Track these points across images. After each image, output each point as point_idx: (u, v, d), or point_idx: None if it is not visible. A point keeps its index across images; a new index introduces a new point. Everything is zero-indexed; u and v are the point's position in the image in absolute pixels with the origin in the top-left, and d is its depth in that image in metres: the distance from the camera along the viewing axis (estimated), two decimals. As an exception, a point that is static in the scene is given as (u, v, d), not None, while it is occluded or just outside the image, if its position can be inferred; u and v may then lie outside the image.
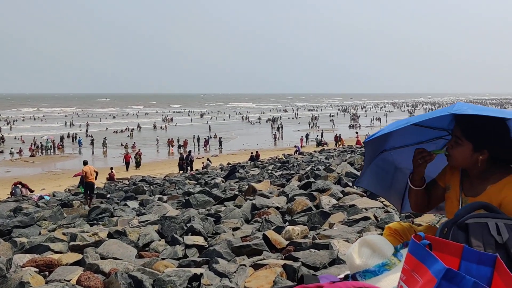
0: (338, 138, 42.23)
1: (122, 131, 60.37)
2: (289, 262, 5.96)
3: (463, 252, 1.50)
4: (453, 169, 2.13)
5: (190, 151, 33.55)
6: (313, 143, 45.72)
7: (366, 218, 7.29)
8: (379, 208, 8.38)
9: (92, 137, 47.87)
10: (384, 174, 2.41)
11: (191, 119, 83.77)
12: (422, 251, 1.37)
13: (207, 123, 72.78)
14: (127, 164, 32.16)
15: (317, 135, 48.70)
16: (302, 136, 47.90)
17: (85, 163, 18.23)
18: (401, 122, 2.00)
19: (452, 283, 1.25)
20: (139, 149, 35.97)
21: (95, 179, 17.57)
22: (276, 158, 29.94)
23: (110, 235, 7.82)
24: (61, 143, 46.14)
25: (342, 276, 1.94)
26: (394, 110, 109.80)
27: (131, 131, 58.19)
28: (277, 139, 50.53)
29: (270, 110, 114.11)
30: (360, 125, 65.93)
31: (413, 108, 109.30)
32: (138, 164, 32.86)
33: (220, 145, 44.88)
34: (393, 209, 8.10)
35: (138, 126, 65.27)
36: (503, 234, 1.67)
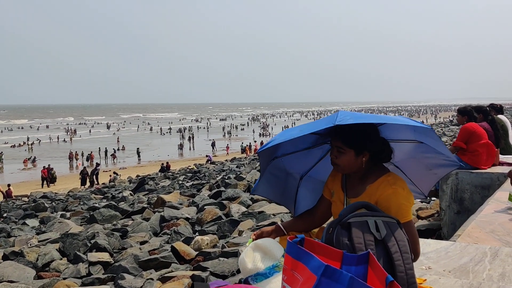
0: (249, 147, 43.53)
1: (20, 145, 56.34)
2: (197, 272, 5.93)
3: (343, 257, 1.61)
4: (334, 176, 2.28)
5: (97, 164, 32.02)
6: (220, 152, 46.12)
7: (274, 224, 7.45)
8: (286, 213, 8.63)
9: None
10: (277, 180, 2.50)
11: (90, 131, 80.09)
12: (295, 249, 1.45)
13: (114, 134, 70.17)
14: (44, 179, 29.88)
15: (242, 142, 49.52)
16: (228, 144, 48.36)
17: None
18: (294, 132, 2.09)
19: (332, 279, 1.34)
20: (49, 164, 33.20)
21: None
22: (188, 168, 29.64)
23: (5, 257, 7.26)
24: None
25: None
26: (301, 118, 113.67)
27: (31, 144, 54.38)
28: (183, 149, 49.78)
29: (180, 120, 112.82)
30: (270, 133, 67.37)
31: (318, 116, 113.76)
32: (53, 180, 30.55)
33: (139, 156, 43.39)
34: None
35: (28, 139, 59.95)
36: (381, 231, 1.81)
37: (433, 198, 7.79)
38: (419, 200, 8.53)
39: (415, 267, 2.55)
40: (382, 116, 2.01)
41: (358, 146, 2.07)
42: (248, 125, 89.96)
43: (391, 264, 1.76)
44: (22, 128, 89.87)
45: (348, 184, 2.19)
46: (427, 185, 2.43)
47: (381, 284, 1.43)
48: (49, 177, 30.22)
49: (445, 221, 5.79)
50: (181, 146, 49.78)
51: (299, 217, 2.45)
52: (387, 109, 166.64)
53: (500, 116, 7.25)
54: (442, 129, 38.35)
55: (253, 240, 2.24)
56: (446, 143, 21.40)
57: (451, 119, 65.85)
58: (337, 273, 1.34)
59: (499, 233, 3.32)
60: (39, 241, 8.69)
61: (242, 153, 43.65)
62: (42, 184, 29.58)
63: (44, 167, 31.66)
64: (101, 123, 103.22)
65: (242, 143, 49.02)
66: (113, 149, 45.58)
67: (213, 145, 48.65)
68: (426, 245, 2.99)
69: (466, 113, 6.22)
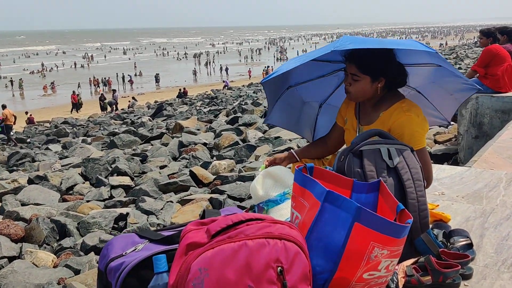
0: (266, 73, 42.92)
1: (39, 71, 56.63)
2: (215, 195, 6.10)
3: (353, 185, 1.60)
4: (348, 103, 2.23)
5: (114, 90, 32.13)
6: (237, 77, 45.28)
7: (289, 149, 7.51)
8: (303, 138, 8.69)
9: (12, 79, 43.72)
10: (292, 109, 2.47)
11: (105, 56, 79.36)
12: (301, 176, 1.45)
13: (129, 59, 69.90)
14: (74, 105, 29.69)
15: (266, 66, 47.73)
16: (250, 68, 47.02)
17: (3, 106, 18.84)
18: (298, 59, 2.02)
19: (336, 206, 1.34)
20: (73, 91, 33.07)
21: (14, 123, 17.95)
22: (205, 94, 29.63)
23: (30, 181, 7.55)
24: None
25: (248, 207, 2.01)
26: (320, 41, 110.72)
27: (43, 71, 54.38)
28: (200, 74, 49.04)
29: (196, 45, 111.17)
30: (287, 57, 66.15)
31: (338, 39, 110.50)
32: (80, 106, 30.61)
33: (157, 81, 43.29)
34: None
35: (43, 65, 59.41)
36: (394, 159, 1.79)
37: (451, 123, 7.70)
38: (438, 125, 8.46)
39: (428, 193, 2.57)
40: (385, 41, 1.91)
41: (374, 72, 1.99)
42: (267, 50, 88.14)
43: (402, 191, 1.75)
44: (37, 54, 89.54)
45: (361, 111, 2.15)
46: (449, 110, 2.37)
47: (392, 212, 1.44)
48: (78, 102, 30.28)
49: (462, 146, 5.75)
50: (194, 72, 49.04)
51: (312, 144, 2.44)
52: (409, 30, 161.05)
53: (527, 37, 6.93)
54: (465, 51, 37.12)
55: (265, 166, 2.26)
56: (469, 66, 20.78)
57: (475, 40, 63.51)
58: (341, 199, 1.33)
59: (516, 159, 3.29)
60: (62, 166, 8.97)
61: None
62: (72, 110, 29.54)
63: (73, 92, 31.61)
64: (117, 48, 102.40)
65: (266, 66, 47.32)
66: (129, 75, 45.41)
67: (226, 70, 47.91)
68: (440, 170, 2.98)
69: (491, 35, 5.96)
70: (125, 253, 1.34)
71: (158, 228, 3.28)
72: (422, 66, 2.13)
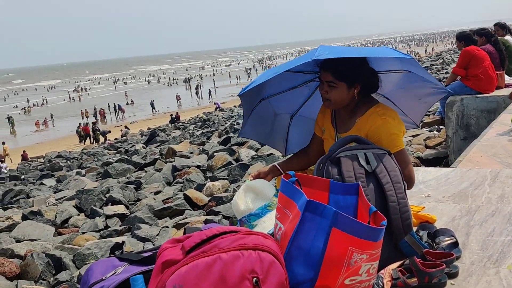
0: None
1: (30, 107, 56.66)
2: (210, 217, 6.09)
3: (330, 186, 1.61)
4: (324, 112, 2.25)
5: (94, 122, 31.73)
6: (229, 98, 45.43)
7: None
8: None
9: (9, 116, 43.19)
10: (265, 122, 2.49)
11: (90, 87, 79.41)
12: (289, 187, 1.45)
13: (115, 89, 70.02)
14: (88, 136, 29.14)
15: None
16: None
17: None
18: (273, 71, 2.04)
19: (316, 214, 1.34)
20: (80, 123, 32.43)
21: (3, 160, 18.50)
22: (197, 117, 29.70)
23: (24, 217, 7.49)
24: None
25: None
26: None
27: (28, 108, 54.40)
28: (192, 98, 49.14)
29: (187, 70, 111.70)
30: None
31: (314, 49, 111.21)
32: (86, 137, 30.28)
33: (153, 108, 43.23)
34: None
35: (28, 101, 59.42)
36: (371, 163, 1.80)
37: (441, 127, 7.75)
38: (427, 129, 8.51)
39: (414, 195, 2.58)
40: (362, 49, 1.95)
41: (349, 78, 2.02)
42: (258, 69, 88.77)
43: (383, 195, 1.76)
44: (26, 89, 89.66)
45: (337, 119, 2.17)
46: (418, 114, 2.41)
47: (367, 215, 1.44)
48: (92, 133, 29.82)
49: (452, 148, 5.78)
50: (178, 97, 48.82)
51: (294, 156, 2.45)
52: (394, 40, 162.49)
53: (506, 36, 7.03)
54: (451, 56, 37.52)
55: None
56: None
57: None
58: (321, 207, 1.34)
59: (501, 156, 3.30)
60: (56, 200, 8.92)
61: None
62: (92, 141, 29.18)
63: (86, 124, 31.45)
64: (108, 79, 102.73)
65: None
66: (118, 104, 45.18)
67: (209, 93, 48.32)
68: (426, 173, 3.00)
69: (463, 38, 6.06)
70: (105, 277, 1.34)
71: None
72: (391, 72, 2.16)
